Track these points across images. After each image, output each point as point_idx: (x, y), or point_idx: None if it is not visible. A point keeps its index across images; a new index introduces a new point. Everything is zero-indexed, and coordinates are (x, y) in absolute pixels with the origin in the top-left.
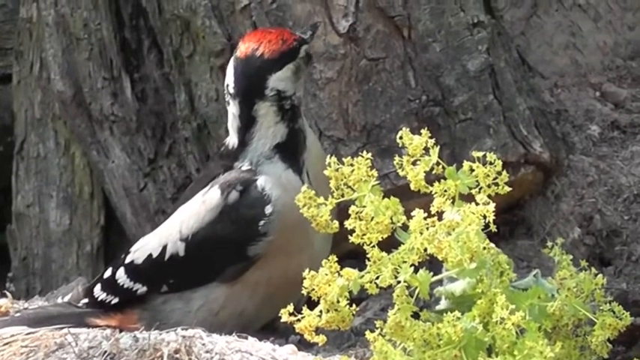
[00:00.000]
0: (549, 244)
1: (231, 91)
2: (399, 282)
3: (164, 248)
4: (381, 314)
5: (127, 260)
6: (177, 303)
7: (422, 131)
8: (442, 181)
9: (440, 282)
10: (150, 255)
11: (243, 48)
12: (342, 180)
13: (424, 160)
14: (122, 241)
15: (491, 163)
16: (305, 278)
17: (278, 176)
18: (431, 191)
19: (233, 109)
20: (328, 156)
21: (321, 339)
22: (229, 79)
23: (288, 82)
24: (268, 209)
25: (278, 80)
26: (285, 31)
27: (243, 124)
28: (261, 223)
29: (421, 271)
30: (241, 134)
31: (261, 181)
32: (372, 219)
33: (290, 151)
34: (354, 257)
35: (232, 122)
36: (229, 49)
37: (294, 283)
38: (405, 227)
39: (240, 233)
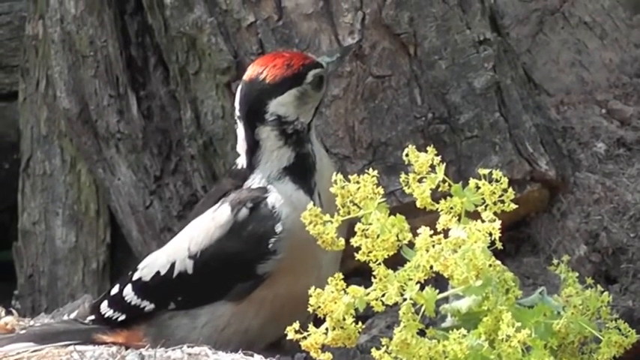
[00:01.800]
0: (555, 261)
1: (237, 113)
2: (404, 299)
3: (172, 265)
4: (386, 332)
5: (135, 277)
6: (183, 319)
7: (428, 148)
8: (448, 198)
9: (446, 299)
10: (158, 272)
11: (250, 71)
12: (348, 197)
13: (430, 178)
14: (128, 258)
15: (497, 181)
16: (310, 299)
17: (288, 195)
18: (437, 209)
19: (240, 131)
20: (332, 171)
21: (327, 356)
22: (236, 101)
23: (290, 107)
24: (278, 227)
25: (278, 105)
26: (296, 55)
27: (249, 146)
28: (271, 241)
29: (427, 288)
30: (249, 156)
31: (271, 199)
32: (378, 236)
33: (300, 174)
34: (360, 275)
35: (241, 144)
36: (235, 66)
37: (300, 303)
38: (411, 245)
39: (250, 251)
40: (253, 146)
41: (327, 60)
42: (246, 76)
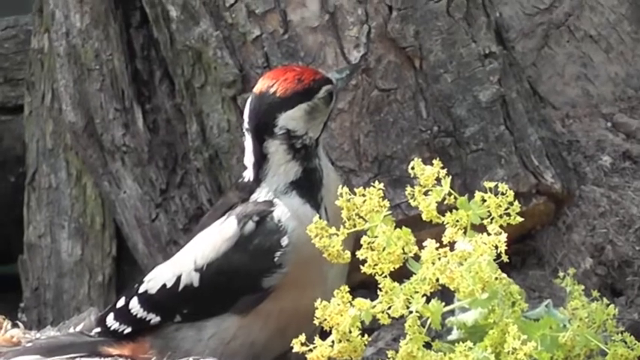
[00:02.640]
0: (561, 274)
1: (246, 126)
2: (410, 312)
3: (178, 278)
4: (392, 344)
5: (141, 290)
6: (189, 331)
7: (434, 161)
8: (454, 211)
9: (452, 312)
10: (164, 285)
11: (260, 84)
12: (353, 210)
13: (436, 191)
14: (134, 271)
15: (502, 194)
16: (316, 312)
17: (295, 209)
18: (443, 221)
19: (248, 144)
20: (339, 185)
21: None
22: (245, 114)
23: (300, 121)
24: (284, 241)
25: (288, 119)
26: (307, 70)
27: (256, 159)
28: (277, 254)
29: (433, 301)
30: (256, 170)
31: (277, 213)
32: (384, 249)
33: (307, 189)
34: (366, 287)
35: (248, 157)
36: (241, 80)
37: (305, 317)
38: (416, 257)
39: (256, 264)
40: (261, 159)
41: (337, 76)
42: (256, 89)
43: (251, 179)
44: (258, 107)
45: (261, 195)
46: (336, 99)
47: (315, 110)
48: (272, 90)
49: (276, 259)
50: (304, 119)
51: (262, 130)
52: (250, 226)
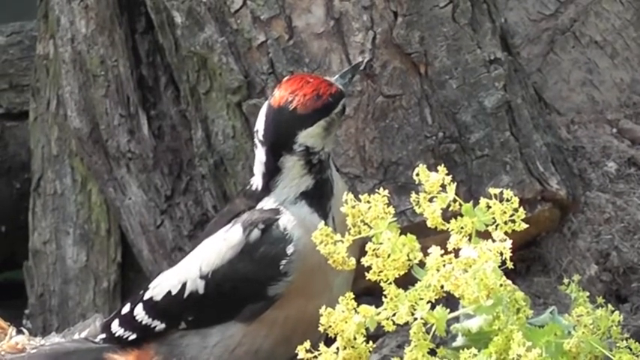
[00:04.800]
0: (566, 280)
1: (260, 138)
2: (415, 319)
3: (184, 285)
4: (397, 351)
5: (146, 297)
6: (193, 338)
7: (439, 168)
8: (459, 218)
9: (456, 319)
10: (169, 292)
11: (278, 97)
12: (359, 217)
13: (441, 197)
14: (139, 277)
15: (507, 200)
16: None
17: (302, 218)
18: (448, 228)
19: (260, 155)
20: (345, 193)
21: None
22: (260, 125)
23: (318, 138)
24: (290, 249)
25: (308, 136)
26: (323, 83)
27: (268, 171)
28: (282, 262)
29: (438, 307)
30: (265, 180)
31: (283, 221)
32: (389, 256)
33: (317, 199)
34: (370, 294)
35: (258, 166)
36: (246, 85)
37: (310, 325)
38: (421, 264)
39: (261, 272)
40: (274, 172)
41: (342, 82)
42: (273, 102)
43: (259, 188)
44: (277, 122)
45: (268, 203)
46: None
47: (332, 125)
48: (291, 106)
49: (281, 267)
50: (322, 135)
51: (280, 145)
52: (256, 233)
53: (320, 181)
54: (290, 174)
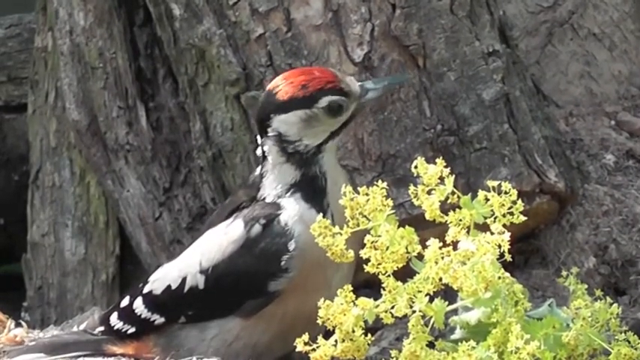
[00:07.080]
0: (564, 273)
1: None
2: (414, 311)
3: (184, 280)
4: (396, 344)
5: (146, 290)
6: (192, 330)
7: (437, 160)
8: (457, 210)
9: (455, 311)
10: (169, 286)
11: (273, 82)
12: (357, 209)
13: (439, 190)
14: (137, 270)
15: (506, 193)
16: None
17: (301, 214)
18: (446, 221)
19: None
20: (343, 185)
21: None
22: None
23: (293, 127)
24: (291, 245)
25: (281, 122)
26: (325, 76)
27: (261, 155)
28: (284, 258)
29: (436, 300)
30: (260, 165)
31: (284, 217)
32: (388, 248)
33: (310, 194)
34: (369, 287)
35: (258, 152)
36: (244, 78)
37: (308, 320)
38: (420, 257)
39: (262, 268)
40: (263, 157)
41: (370, 86)
42: (269, 86)
43: (257, 175)
44: (261, 104)
45: (264, 193)
46: (360, 110)
47: (314, 119)
48: (275, 90)
49: (282, 263)
50: (299, 126)
51: (260, 127)
52: (257, 229)
53: (307, 175)
54: (270, 159)
